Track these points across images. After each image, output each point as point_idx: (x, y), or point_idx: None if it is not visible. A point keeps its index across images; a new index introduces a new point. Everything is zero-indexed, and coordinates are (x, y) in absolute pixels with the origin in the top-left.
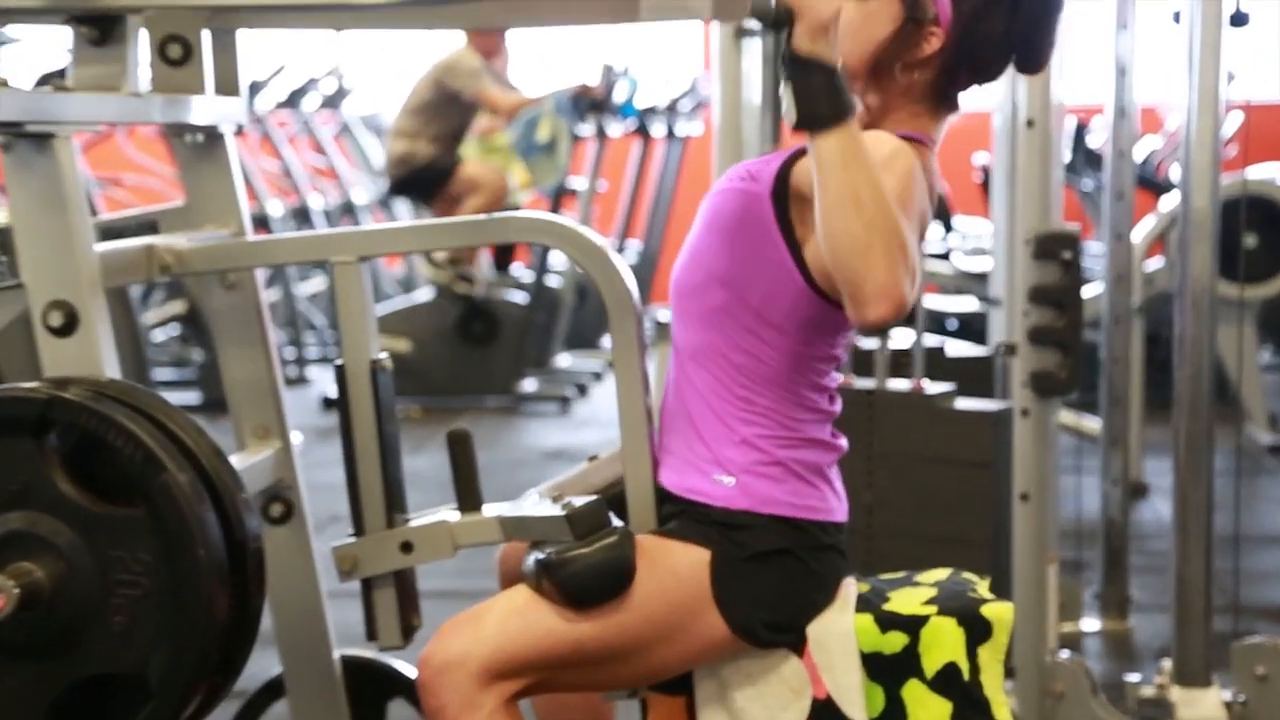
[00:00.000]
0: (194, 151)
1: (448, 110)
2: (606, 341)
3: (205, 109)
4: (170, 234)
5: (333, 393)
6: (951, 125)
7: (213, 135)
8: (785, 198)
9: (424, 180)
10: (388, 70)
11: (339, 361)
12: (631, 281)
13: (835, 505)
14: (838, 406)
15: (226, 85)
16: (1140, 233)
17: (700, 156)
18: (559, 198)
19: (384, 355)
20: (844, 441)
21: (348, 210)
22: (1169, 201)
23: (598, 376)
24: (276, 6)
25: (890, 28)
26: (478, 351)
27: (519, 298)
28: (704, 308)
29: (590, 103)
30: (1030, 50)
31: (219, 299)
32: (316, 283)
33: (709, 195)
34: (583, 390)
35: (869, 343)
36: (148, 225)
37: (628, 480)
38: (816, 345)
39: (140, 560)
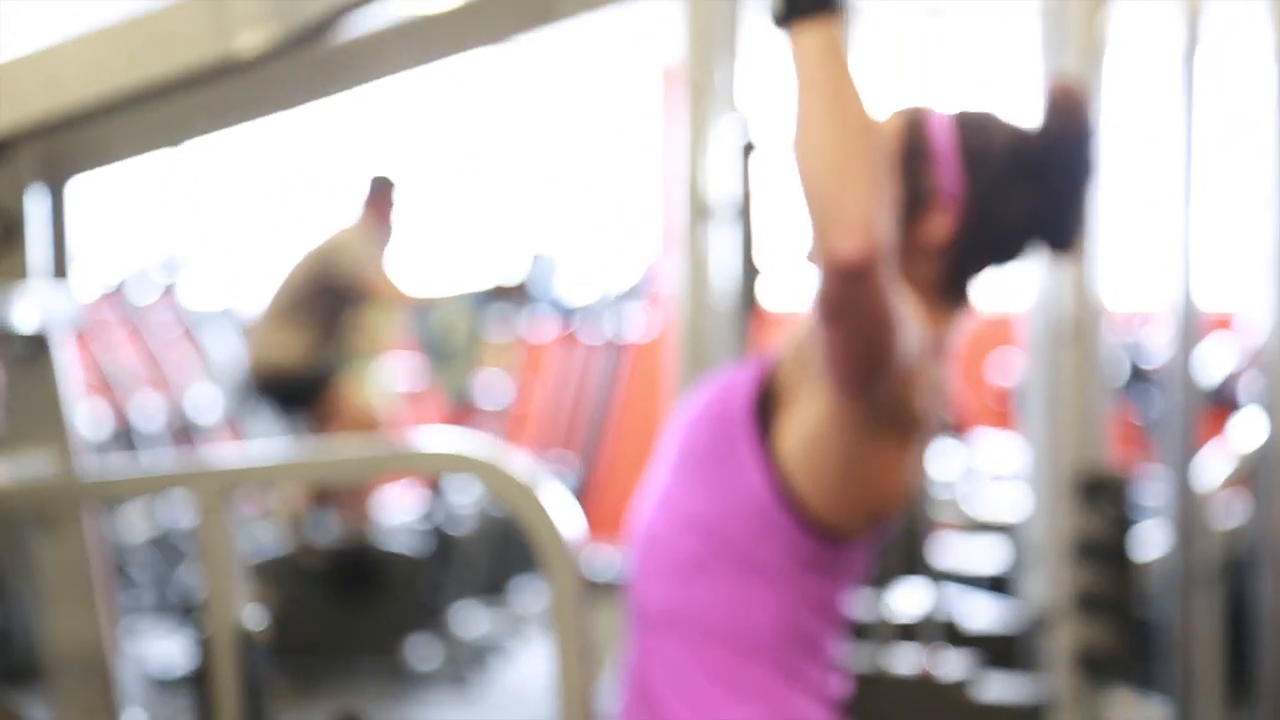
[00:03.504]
0: (12, 361)
1: (331, 305)
2: (520, 591)
3: (32, 307)
4: None
5: (161, 670)
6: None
7: (38, 340)
8: (765, 413)
9: (293, 391)
10: (246, 252)
11: (202, 634)
12: (574, 531)
13: None
14: (841, 689)
15: (56, 271)
16: (1217, 473)
17: (650, 357)
18: (469, 411)
19: (260, 623)
20: None
21: (188, 429)
22: (1252, 431)
23: (509, 638)
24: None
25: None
26: (350, 612)
27: (408, 543)
28: (675, 559)
29: (510, 298)
30: (1061, 229)
31: (40, 548)
32: (141, 526)
33: (675, 421)
34: (489, 657)
35: (862, 611)
36: None
37: None
38: (814, 597)
39: None
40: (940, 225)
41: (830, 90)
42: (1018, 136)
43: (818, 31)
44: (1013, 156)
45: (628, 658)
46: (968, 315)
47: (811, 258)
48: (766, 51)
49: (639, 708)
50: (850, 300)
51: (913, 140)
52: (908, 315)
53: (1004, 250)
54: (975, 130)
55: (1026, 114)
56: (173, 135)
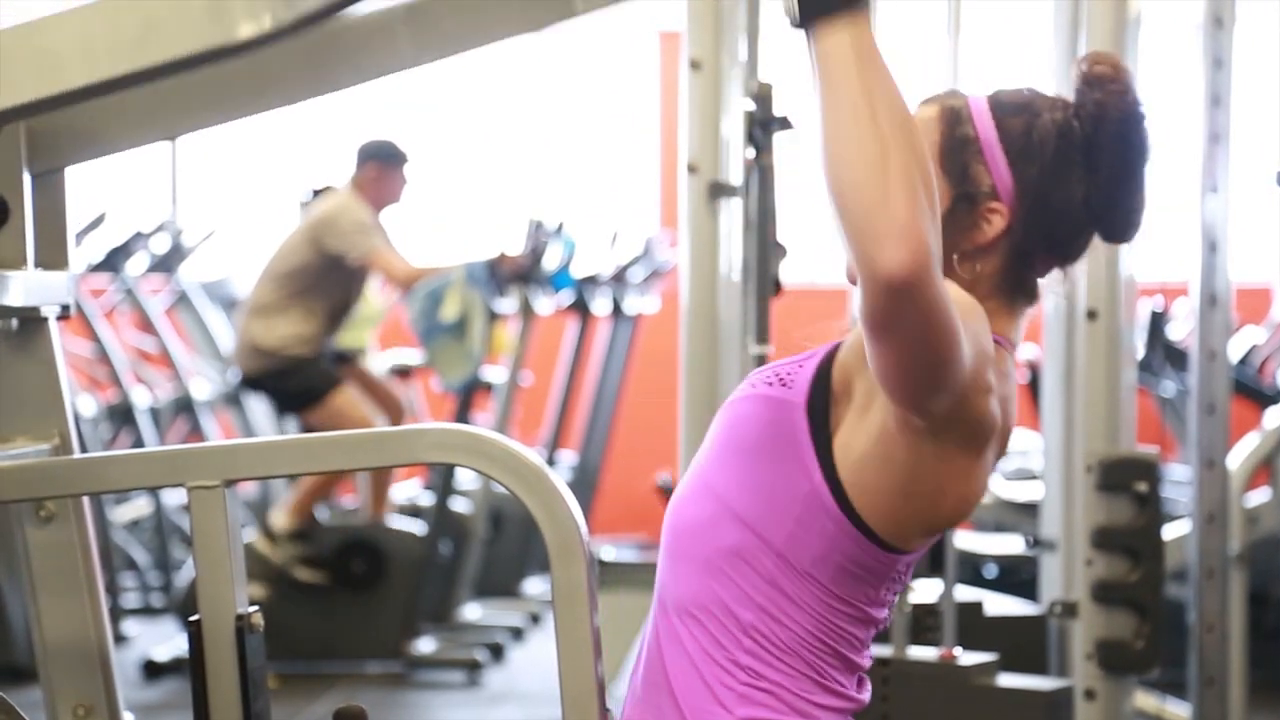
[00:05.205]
0: (4, 342)
1: (327, 278)
2: (529, 586)
3: (24, 287)
4: None
5: (158, 655)
6: None
7: (31, 320)
8: (825, 407)
9: (289, 387)
10: (242, 224)
11: (195, 617)
12: (579, 515)
13: None
14: (866, 695)
15: (50, 254)
16: (1239, 457)
17: (656, 339)
18: (470, 394)
19: (254, 609)
20: None
21: (184, 408)
22: (1278, 415)
23: (518, 634)
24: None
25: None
26: (357, 599)
27: (413, 527)
28: (711, 549)
29: (513, 271)
30: (1117, 216)
31: (32, 535)
32: (138, 505)
33: (726, 404)
34: (497, 653)
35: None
36: None
37: None
38: (852, 602)
39: None
40: (994, 221)
41: (861, 93)
42: (1064, 115)
43: (842, 30)
44: (1060, 138)
45: (644, 640)
46: (1033, 310)
47: (850, 274)
48: (774, 25)
49: (652, 693)
50: (899, 316)
51: (951, 130)
52: (970, 319)
53: (1064, 242)
54: (1017, 113)
55: (1064, 91)
56: (172, 127)
